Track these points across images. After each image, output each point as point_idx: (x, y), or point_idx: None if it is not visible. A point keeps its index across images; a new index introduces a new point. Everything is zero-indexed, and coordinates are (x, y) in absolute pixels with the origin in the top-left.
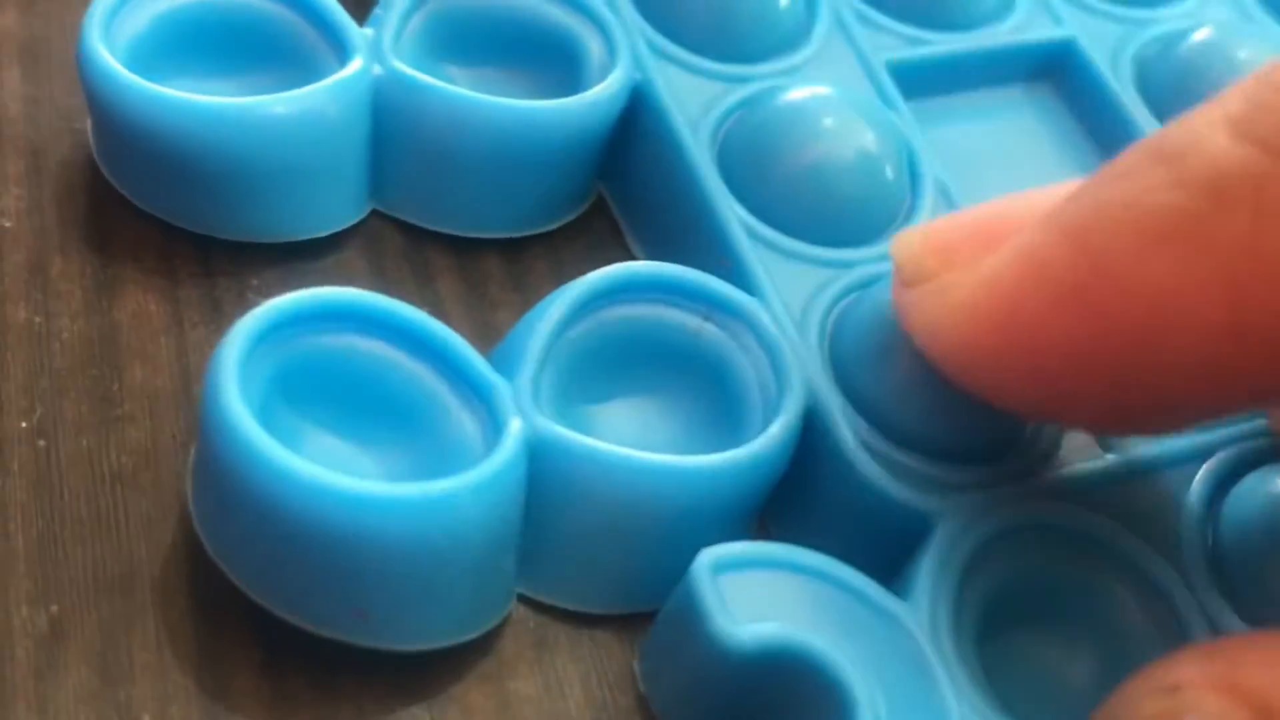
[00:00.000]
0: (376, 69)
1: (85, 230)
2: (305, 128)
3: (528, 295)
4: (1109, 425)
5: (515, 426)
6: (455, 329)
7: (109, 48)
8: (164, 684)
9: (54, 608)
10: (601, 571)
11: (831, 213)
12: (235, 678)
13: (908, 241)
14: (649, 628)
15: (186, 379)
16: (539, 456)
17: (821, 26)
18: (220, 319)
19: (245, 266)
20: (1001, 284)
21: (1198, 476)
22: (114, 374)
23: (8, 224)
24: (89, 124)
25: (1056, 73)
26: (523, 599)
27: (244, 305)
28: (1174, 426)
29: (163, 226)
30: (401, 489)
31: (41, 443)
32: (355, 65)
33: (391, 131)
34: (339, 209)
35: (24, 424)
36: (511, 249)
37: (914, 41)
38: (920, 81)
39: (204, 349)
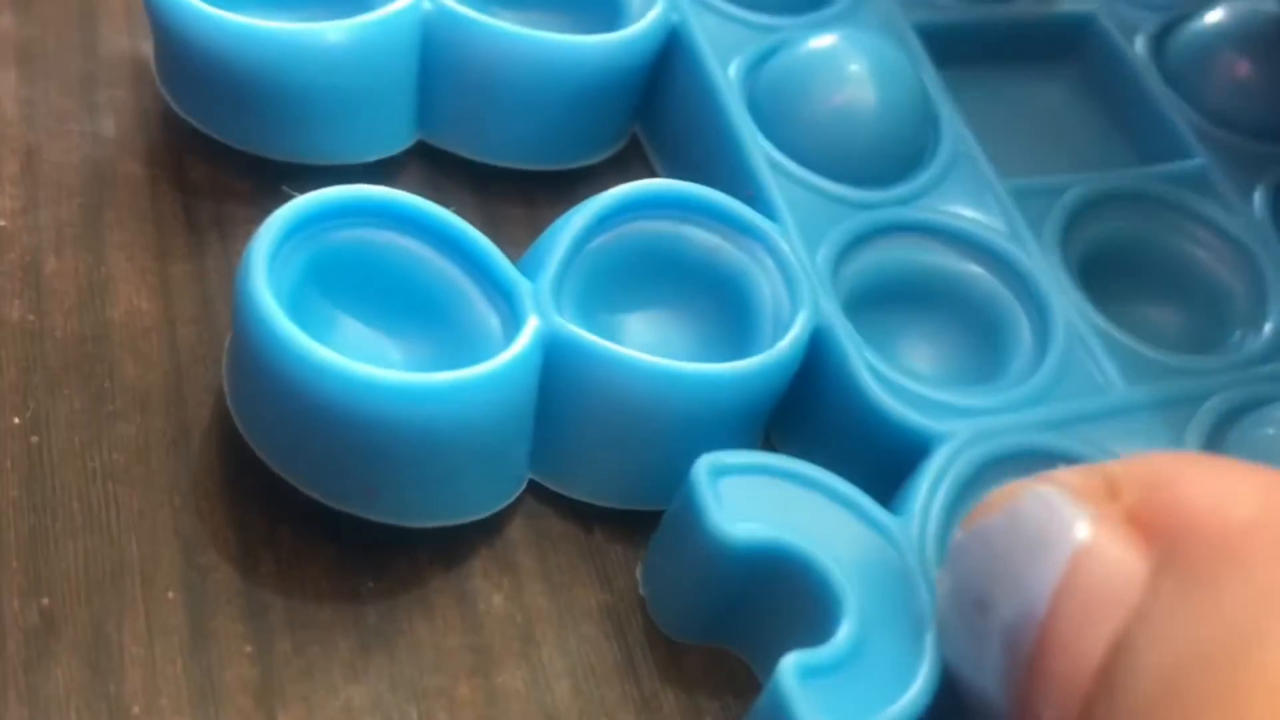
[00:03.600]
0: (427, 3)
1: (78, 230)
2: (357, 55)
3: None
4: None
5: (532, 323)
6: None
7: None
8: (153, 676)
9: (45, 601)
10: (609, 468)
11: (851, 153)
12: (225, 671)
13: None
14: (640, 610)
15: (178, 376)
16: (555, 354)
17: None
18: (212, 317)
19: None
20: None
21: (1195, 416)
22: (106, 371)
23: (3, 223)
24: (151, 49)
25: (1077, 47)
26: (509, 599)
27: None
28: None
29: (155, 224)
30: (413, 377)
31: (34, 439)
32: None
33: (439, 64)
34: (387, 135)
35: (17, 420)
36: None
37: (939, 8)
38: (945, 47)
39: (195, 347)
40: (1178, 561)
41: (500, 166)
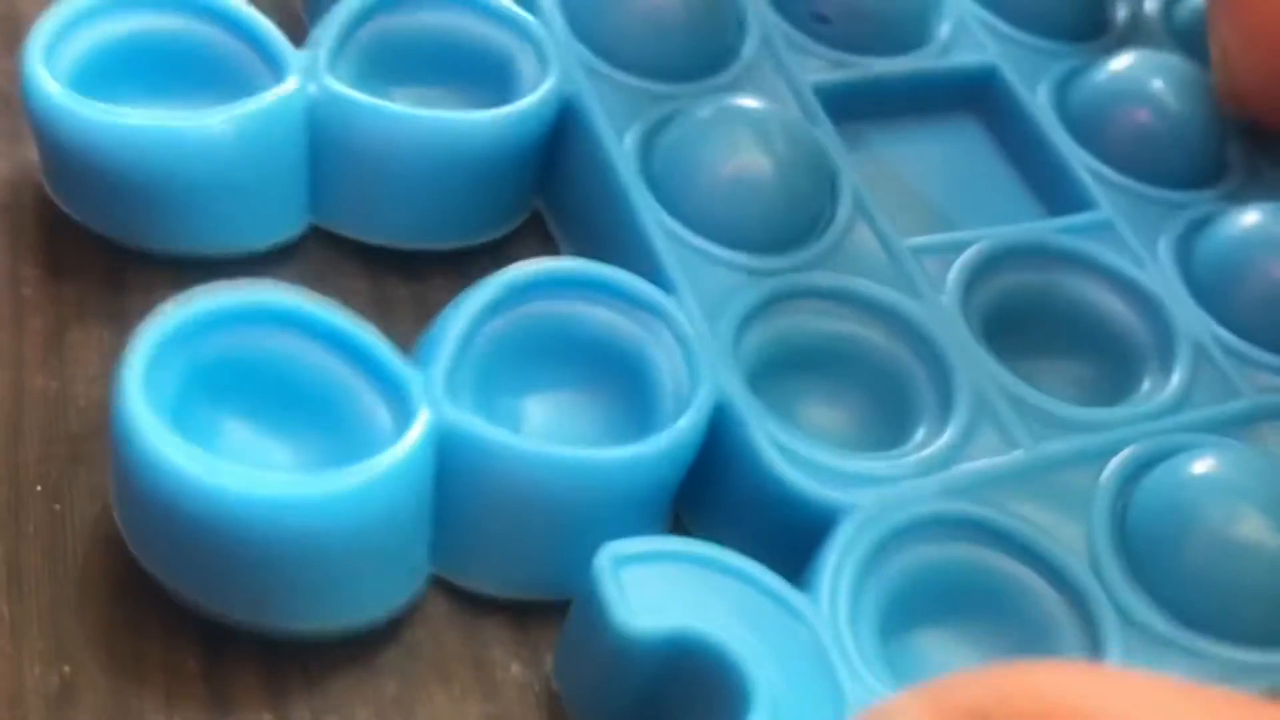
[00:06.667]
0: (312, 88)
1: (101, 298)
2: (243, 145)
3: None
4: None
5: (423, 417)
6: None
7: (51, 72)
8: None
9: (66, 668)
10: (512, 558)
11: (749, 220)
12: None
13: None
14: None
15: None
16: (449, 446)
17: (749, 48)
18: None
19: None
20: None
21: (1105, 472)
22: None
23: (27, 291)
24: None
25: (979, 98)
26: (527, 667)
27: None
28: None
29: (177, 294)
30: (289, 484)
31: (56, 507)
32: (290, 84)
33: (328, 148)
34: (277, 223)
35: (39, 488)
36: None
37: (840, 65)
38: (846, 105)
39: None
40: None
41: (397, 248)
